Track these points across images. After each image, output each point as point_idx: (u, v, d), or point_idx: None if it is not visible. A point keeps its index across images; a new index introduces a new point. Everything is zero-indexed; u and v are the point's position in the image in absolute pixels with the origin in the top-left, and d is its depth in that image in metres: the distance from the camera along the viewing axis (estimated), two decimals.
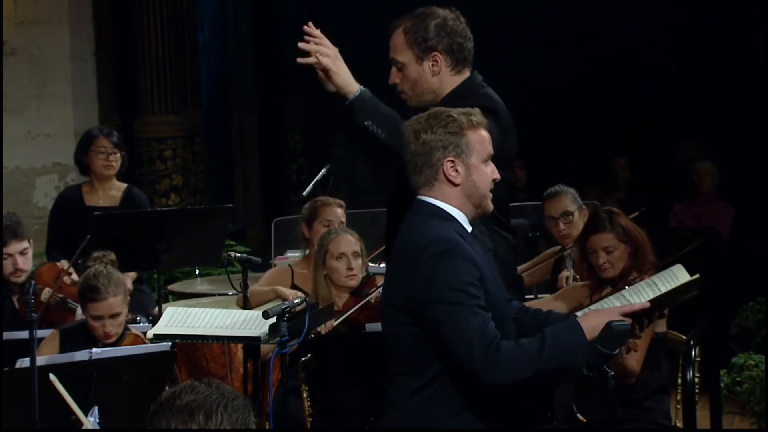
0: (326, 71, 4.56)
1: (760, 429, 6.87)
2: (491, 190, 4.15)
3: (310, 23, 4.62)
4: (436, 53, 4.70)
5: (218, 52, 12.55)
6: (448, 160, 4.06)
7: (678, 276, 4.38)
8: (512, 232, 4.87)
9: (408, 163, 4.12)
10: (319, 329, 5.63)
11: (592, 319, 4.04)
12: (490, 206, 4.16)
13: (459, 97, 4.67)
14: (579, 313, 4.26)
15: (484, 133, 4.13)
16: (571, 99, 12.64)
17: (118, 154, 7.41)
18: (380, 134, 4.58)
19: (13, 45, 9.16)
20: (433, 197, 4.09)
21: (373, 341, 5.43)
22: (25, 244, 6.51)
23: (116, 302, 5.53)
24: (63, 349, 5.54)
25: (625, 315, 4.05)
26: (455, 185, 4.08)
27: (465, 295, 3.92)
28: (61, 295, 6.46)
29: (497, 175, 4.15)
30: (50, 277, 6.46)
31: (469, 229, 4.12)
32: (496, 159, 4.38)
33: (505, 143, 4.66)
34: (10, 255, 6.46)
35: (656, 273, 4.56)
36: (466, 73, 4.78)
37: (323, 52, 4.57)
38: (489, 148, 4.13)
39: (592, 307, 4.33)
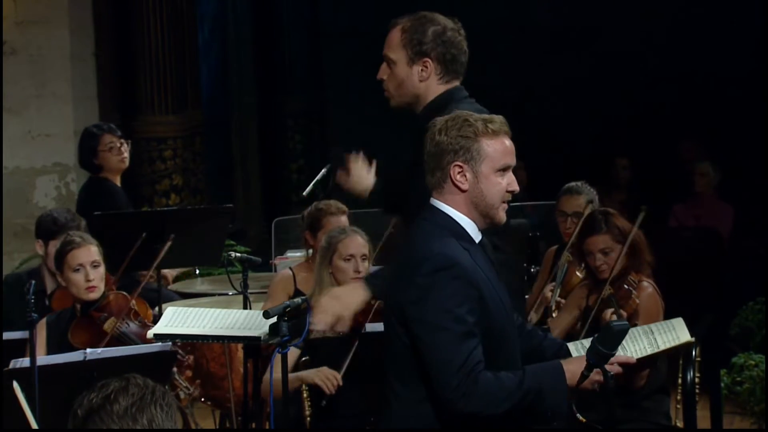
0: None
1: (760, 429, 6.87)
2: None
3: None
4: (428, 59, 4.65)
5: (218, 52, 12.54)
6: (456, 165, 3.98)
7: (677, 330, 4.32)
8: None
9: (424, 163, 4.06)
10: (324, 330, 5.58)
11: (578, 364, 3.97)
12: (503, 218, 4.06)
13: (437, 108, 4.58)
14: (571, 347, 4.21)
15: (505, 142, 4.04)
16: (572, 99, 12.64)
17: (125, 144, 7.44)
18: None
19: (13, 45, 9.15)
20: (443, 202, 4.02)
21: (373, 341, 5.43)
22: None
23: (95, 250, 5.65)
24: (49, 334, 5.60)
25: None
26: (462, 191, 4.00)
27: (452, 320, 3.84)
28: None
29: (515, 187, 4.07)
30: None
31: (477, 238, 4.03)
32: None
33: None
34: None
35: (658, 321, 4.51)
36: (454, 84, 4.72)
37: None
38: (506, 159, 4.04)
39: (584, 341, 4.25)
